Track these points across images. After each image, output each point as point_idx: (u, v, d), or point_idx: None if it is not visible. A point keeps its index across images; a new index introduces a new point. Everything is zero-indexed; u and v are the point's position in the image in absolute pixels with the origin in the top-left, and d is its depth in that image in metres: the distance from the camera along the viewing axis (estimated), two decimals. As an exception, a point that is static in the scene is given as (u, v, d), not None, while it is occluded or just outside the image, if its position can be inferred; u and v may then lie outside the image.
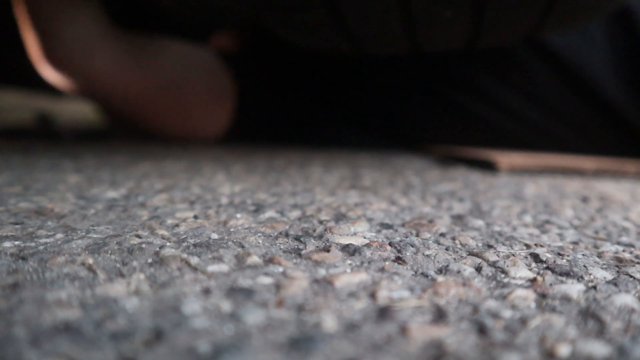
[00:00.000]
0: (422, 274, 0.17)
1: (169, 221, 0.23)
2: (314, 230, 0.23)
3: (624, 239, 0.24)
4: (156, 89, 0.63)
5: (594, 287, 0.17)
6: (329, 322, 0.13)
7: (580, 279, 0.17)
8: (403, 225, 0.25)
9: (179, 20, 0.74)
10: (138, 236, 0.20)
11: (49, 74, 0.63)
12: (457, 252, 0.20)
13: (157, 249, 0.19)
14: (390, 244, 0.21)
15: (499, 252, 0.20)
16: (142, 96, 0.63)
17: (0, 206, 0.25)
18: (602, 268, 0.19)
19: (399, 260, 0.19)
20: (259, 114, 0.67)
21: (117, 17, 0.66)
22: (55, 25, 0.60)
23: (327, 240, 0.21)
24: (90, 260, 0.17)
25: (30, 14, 0.59)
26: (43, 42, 0.60)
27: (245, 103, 0.66)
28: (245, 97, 0.65)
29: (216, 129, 0.67)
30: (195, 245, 0.19)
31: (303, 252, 0.19)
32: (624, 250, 0.22)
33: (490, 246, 0.21)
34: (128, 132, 0.75)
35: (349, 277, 0.16)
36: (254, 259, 0.18)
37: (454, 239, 0.22)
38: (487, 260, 0.19)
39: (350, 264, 0.18)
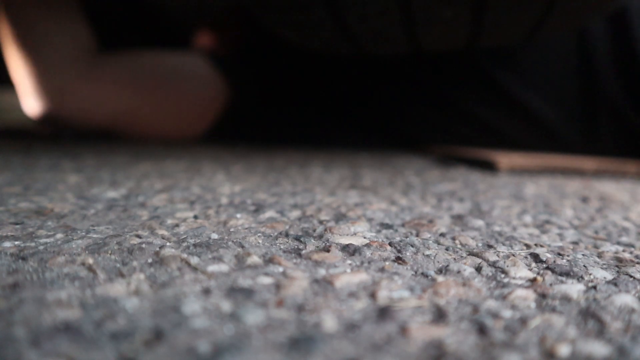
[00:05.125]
0: (422, 274, 0.17)
1: (169, 221, 0.23)
2: (314, 230, 0.23)
3: (624, 239, 0.24)
4: (139, 105, 0.65)
5: (594, 287, 0.17)
6: (329, 322, 0.13)
7: (580, 279, 0.17)
8: (403, 225, 0.25)
9: (167, 25, 0.75)
10: (138, 236, 0.20)
11: (34, 107, 0.64)
12: (457, 252, 0.20)
13: (157, 249, 0.19)
14: (390, 244, 0.21)
15: (499, 252, 0.20)
16: (124, 114, 0.65)
17: (0, 206, 0.25)
18: (602, 268, 0.19)
19: (399, 260, 0.19)
20: (253, 113, 0.68)
21: (104, 35, 0.67)
22: (37, 49, 0.60)
23: (327, 240, 0.21)
24: (90, 260, 0.17)
25: (16, 43, 0.60)
26: (28, 67, 0.61)
27: (238, 103, 0.66)
28: (238, 97, 0.66)
29: (199, 130, 0.68)
30: (195, 245, 0.19)
31: (303, 252, 0.19)
32: (624, 250, 0.22)
33: (490, 246, 0.21)
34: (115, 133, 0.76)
35: (349, 277, 0.16)
36: (254, 259, 0.18)
37: (454, 239, 0.22)
38: (487, 260, 0.19)
39: (350, 264, 0.18)
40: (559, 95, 0.62)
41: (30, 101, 0.64)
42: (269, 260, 0.18)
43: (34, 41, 0.61)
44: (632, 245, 0.23)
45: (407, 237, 0.22)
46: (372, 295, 0.15)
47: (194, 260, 0.18)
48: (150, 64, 0.66)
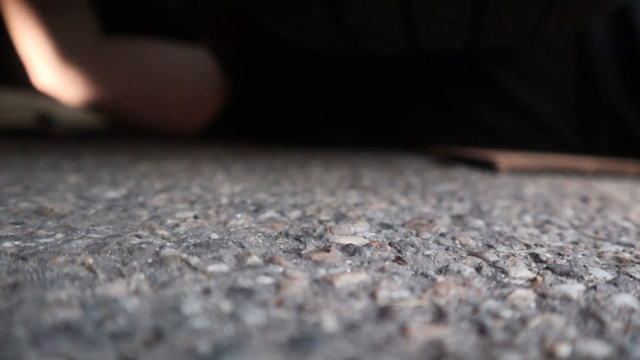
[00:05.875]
0: (422, 274, 0.17)
1: (169, 221, 0.23)
2: (314, 230, 0.23)
3: (624, 239, 0.24)
4: (140, 91, 0.66)
5: (594, 287, 0.17)
6: (329, 322, 0.13)
7: (580, 279, 0.17)
8: (403, 225, 0.25)
9: (173, 21, 0.75)
10: (138, 236, 0.20)
11: (41, 80, 0.66)
12: (457, 252, 0.20)
13: (157, 249, 0.19)
14: (390, 244, 0.21)
15: (499, 252, 0.20)
16: (125, 98, 0.67)
17: (0, 206, 0.25)
18: (602, 268, 0.19)
19: (399, 260, 0.19)
20: (252, 112, 0.68)
21: (110, 21, 0.68)
22: (45, 31, 0.63)
23: (327, 240, 0.21)
24: (90, 260, 0.17)
25: (22, 21, 0.63)
26: (35, 48, 0.64)
27: (238, 101, 0.67)
28: (238, 95, 0.66)
29: (199, 125, 0.69)
30: (195, 245, 0.19)
31: (303, 252, 0.19)
32: (624, 250, 0.22)
33: (490, 246, 0.21)
34: (126, 129, 0.77)
35: (349, 277, 0.16)
36: (254, 259, 0.18)
37: (454, 239, 0.22)
38: (487, 260, 0.19)
39: (350, 264, 0.18)
40: (559, 95, 0.62)
41: (38, 73, 0.66)
42: (269, 260, 0.18)
43: (43, 19, 0.63)
44: (632, 245, 0.23)
45: (407, 237, 0.22)
46: (372, 295, 0.15)
47: (194, 260, 0.18)
48: (155, 53, 0.67)
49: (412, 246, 0.21)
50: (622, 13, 0.60)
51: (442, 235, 0.23)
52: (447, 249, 0.21)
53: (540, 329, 0.13)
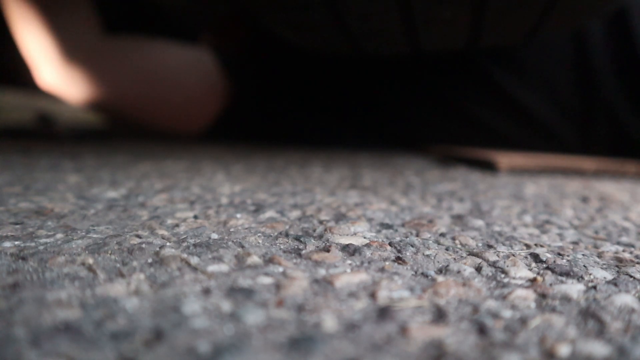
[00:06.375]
0: (422, 274, 0.17)
1: (169, 221, 0.23)
2: (314, 230, 0.23)
3: (624, 239, 0.24)
4: (142, 90, 0.67)
5: (594, 287, 0.17)
6: (329, 322, 0.13)
7: (580, 279, 0.17)
8: (403, 225, 0.25)
9: (175, 21, 0.75)
10: (138, 236, 0.20)
11: (43, 79, 0.66)
12: (457, 252, 0.20)
13: (157, 249, 0.19)
14: (390, 244, 0.21)
15: (499, 252, 0.20)
16: (127, 98, 0.67)
17: (0, 206, 0.25)
18: (602, 268, 0.19)
19: (399, 260, 0.19)
20: (253, 112, 0.68)
21: (112, 20, 0.69)
22: (48, 30, 0.63)
23: (327, 240, 0.21)
24: (90, 260, 0.17)
25: (25, 21, 0.63)
26: (38, 48, 0.64)
27: (239, 101, 0.67)
28: (240, 95, 0.67)
29: (201, 125, 0.69)
30: (195, 245, 0.19)
31: (303, 252, 0.19)
32: (624, 250, 0.22)
33: (490, 246, 0.21)
34: (128, 129, 0.77)
35: (349, 277, 0.16)
36: (254, 259, 0.18)
37: (454, 239, 0.22)
38: (487, 260, 0.19)
39: (350, 264, 0.18)
40: (557, 95, 0.62)
41: (41, 73, 0.66)
42: (269, 260, 0.18)
43: (45, 18, 0.63)
44: (632, 245, 0.23)
45: (407, 237, 0.22)
46: (372, 295, 0.15)
47: (194, 260, 0.18)
48: (157, 52, 0.67)
49: (412, 246, 0.21)
50: (620, 14, 0.60)
51: (442, 235, 0.23)
52: (447, 249, 0.21)
53: (540, 329, 0.13)
